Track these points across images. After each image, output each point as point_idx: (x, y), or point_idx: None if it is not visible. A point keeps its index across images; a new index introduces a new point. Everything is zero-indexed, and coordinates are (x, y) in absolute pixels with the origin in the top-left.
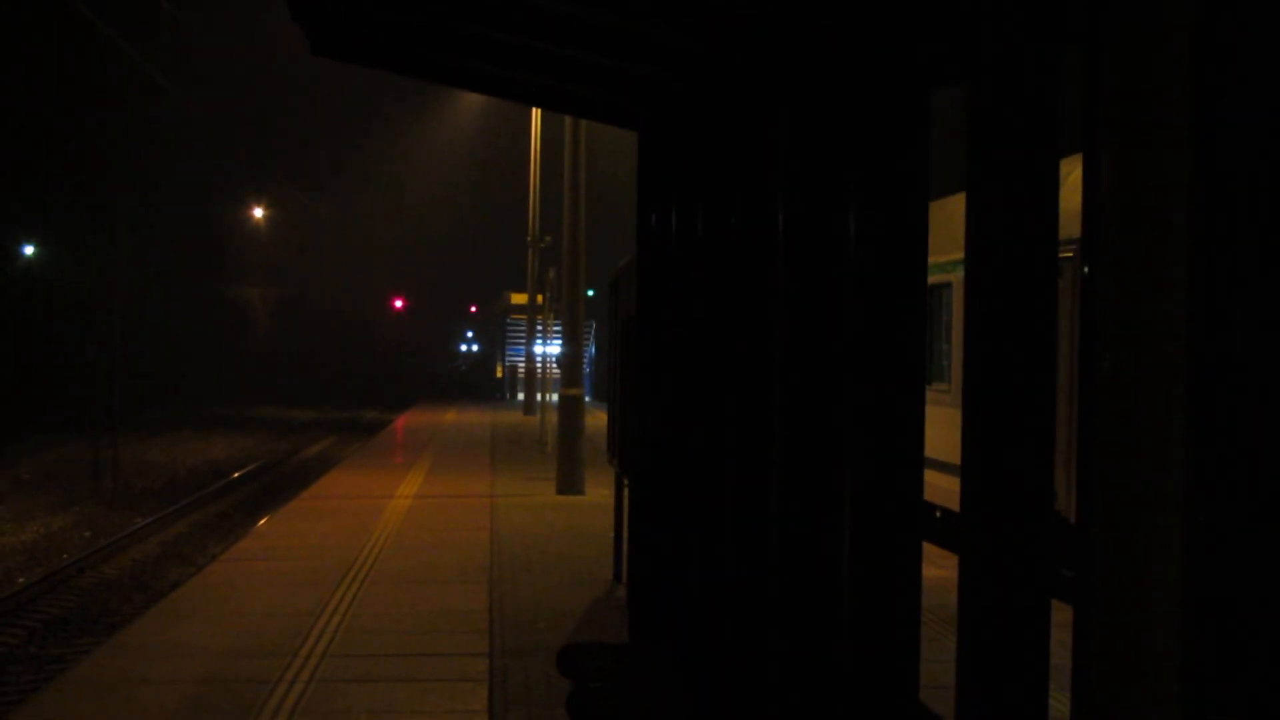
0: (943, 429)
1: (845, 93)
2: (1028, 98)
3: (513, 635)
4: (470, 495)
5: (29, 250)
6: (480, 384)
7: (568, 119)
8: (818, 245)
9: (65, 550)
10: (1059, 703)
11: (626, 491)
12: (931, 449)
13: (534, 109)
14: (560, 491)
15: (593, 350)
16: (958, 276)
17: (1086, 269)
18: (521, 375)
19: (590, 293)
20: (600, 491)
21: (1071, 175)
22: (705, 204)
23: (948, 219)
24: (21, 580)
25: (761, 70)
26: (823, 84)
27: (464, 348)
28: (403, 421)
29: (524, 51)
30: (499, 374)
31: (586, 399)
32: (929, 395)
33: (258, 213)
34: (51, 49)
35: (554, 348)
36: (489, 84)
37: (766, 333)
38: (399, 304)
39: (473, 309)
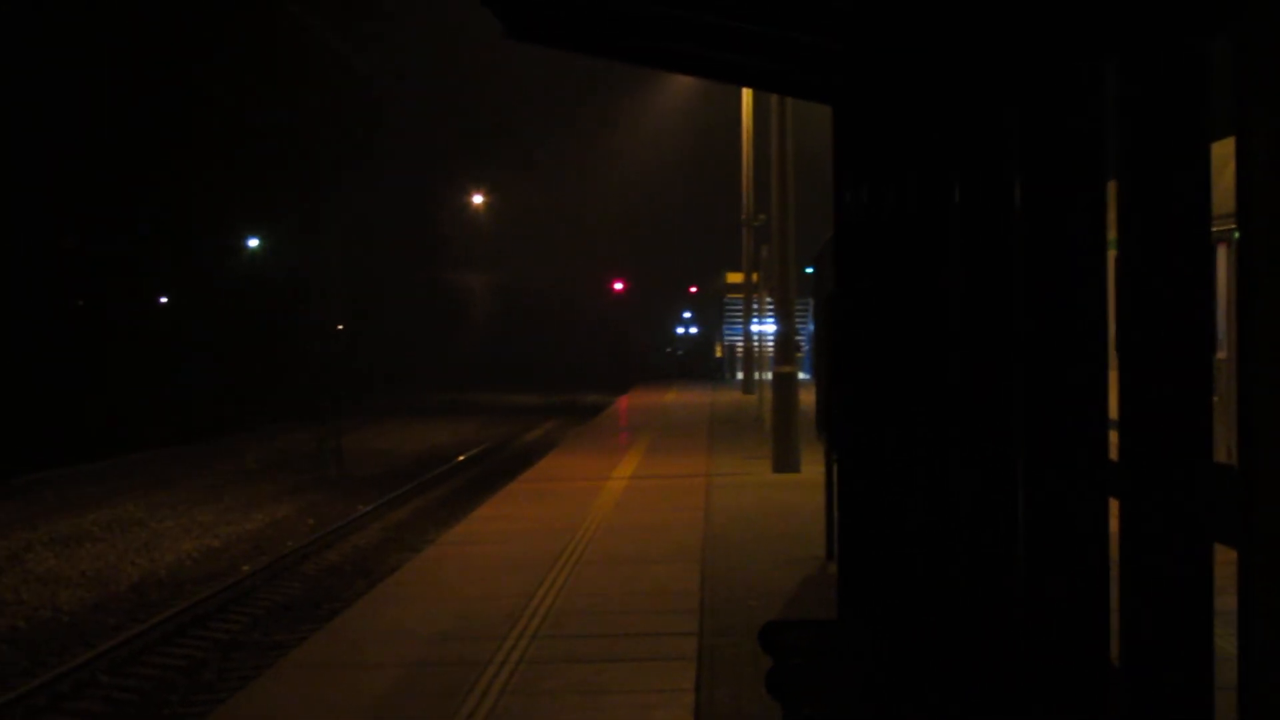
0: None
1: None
2: None
3: (723, 614)
4: (686, 475)
5: (253, 243)
6: (699, 366)
7: (773, 97)
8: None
9: (289, 538)
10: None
11: (836, 467)
12: None
13: (744, 89)
14: (776, 470)
15: (811, 327)
16: None
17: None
18: (740, 354)
19: (809, 269)
20: (816, 469)
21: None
22: (910, 179)
23: None
24: (246, 568)
25: (978, 47)
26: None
27: (680, 330)
28: (622, 404)
29: (717, 30)
30: (718, 354)
31: (803, 376)
32: None
33: (476, 199)
34: (268, 47)
35: (770, 326)
36: (683, 63)
37: (991, 307)
38: (618, 286)
39: (692, 290)
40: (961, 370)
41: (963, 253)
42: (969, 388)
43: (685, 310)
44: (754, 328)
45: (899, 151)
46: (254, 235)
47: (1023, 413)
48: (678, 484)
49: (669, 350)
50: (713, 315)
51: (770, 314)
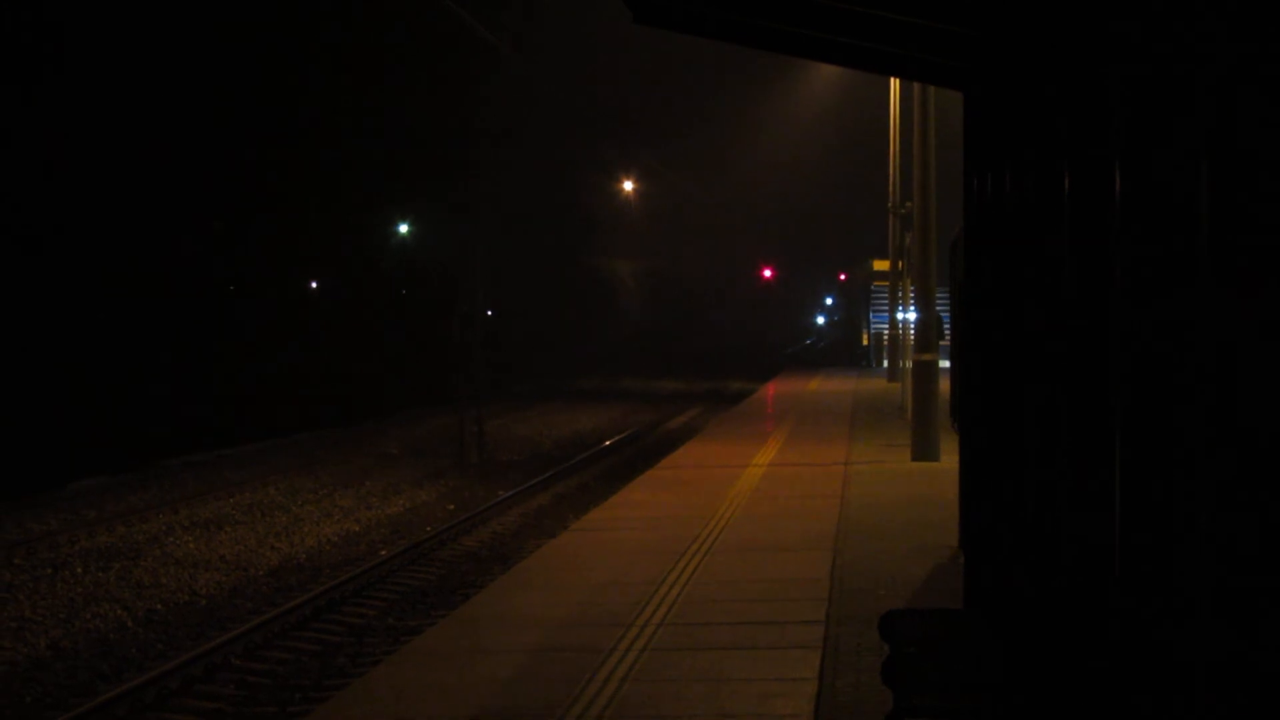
0: None
1: None
2: None
3: (851, 603)
4: (824, 463)
5: (404, 229)
6: (845, 354)
7: (915, 85)
8: (1162, 207)
9: (429, 523)
10: None
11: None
12: None
13: (891, 78)
14: (915, 458)
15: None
16: None
17: None
18: (886, 342)
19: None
20: (955, 458)
21: None
22: (1030, 167)
23: None
24: (384, 553)
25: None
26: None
27: (821, 319)
28: (766, 391)
29: (848, 15)
30: (864, 341)
31: (944, 364)
32: None
33: (627, 186)
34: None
35: (913, 314)
36: (813, 48)
37: (1103, 298)
38: (768, 274)
39: (841, 277)
40: (1075, 363)
41: (1071, 242)
42: (1082, 381)
43: (826, 297)
44: (899, 315)
45: (1022, 139)
46: (404, 221)
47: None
48: (816, 471)
49: (809, 342)
50: (860, 302)
51: (915, 301)
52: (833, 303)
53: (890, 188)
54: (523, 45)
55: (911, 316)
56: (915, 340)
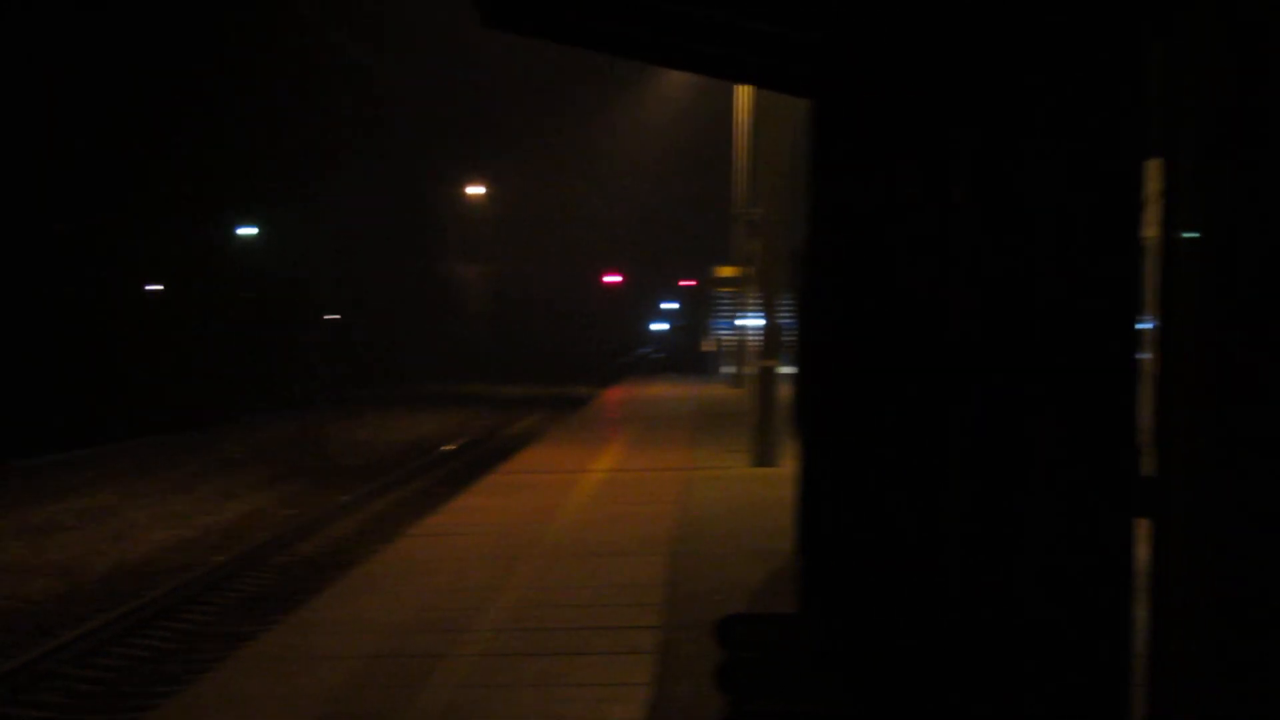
0: None
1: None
2: None
3: (689, 608)
4: (665, 469)
5: (251, 232)
6: (688, 360)
7: (740, 88)
8: (1004, 213)
9: (266, 528)
10: None
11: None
12: None
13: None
14: (755, 464)
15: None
16: None
17: None
18: (729, 349)
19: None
20: (795, 463)
21: None
22: (876, 173)
23: None
24: (220, 558)
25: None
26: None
27: (658, 325)
28: (609, 396)
29: (697, 21)
30: (708, 348)
31: (788, 370)
32: None
33: (469, 191)
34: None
35: (757, 320)
36: (662, 55)
37: (942, 303)
38: (610, 280)
39: (687, 283)
40: (908, 368)
41: (908, 249)
42: (914, 386)
43: (664, 302)
44: (743, 322)
45: (863, 147)
46: (249, 224)
47: (959, 404)
48: (656, 477)
49: (647, 351)
50: (704, 308)
51: (759, 307)
52: (677, 308)
53: (736, 193)
54: (375, 48)
55: (755, 323)
56: (760, 346)
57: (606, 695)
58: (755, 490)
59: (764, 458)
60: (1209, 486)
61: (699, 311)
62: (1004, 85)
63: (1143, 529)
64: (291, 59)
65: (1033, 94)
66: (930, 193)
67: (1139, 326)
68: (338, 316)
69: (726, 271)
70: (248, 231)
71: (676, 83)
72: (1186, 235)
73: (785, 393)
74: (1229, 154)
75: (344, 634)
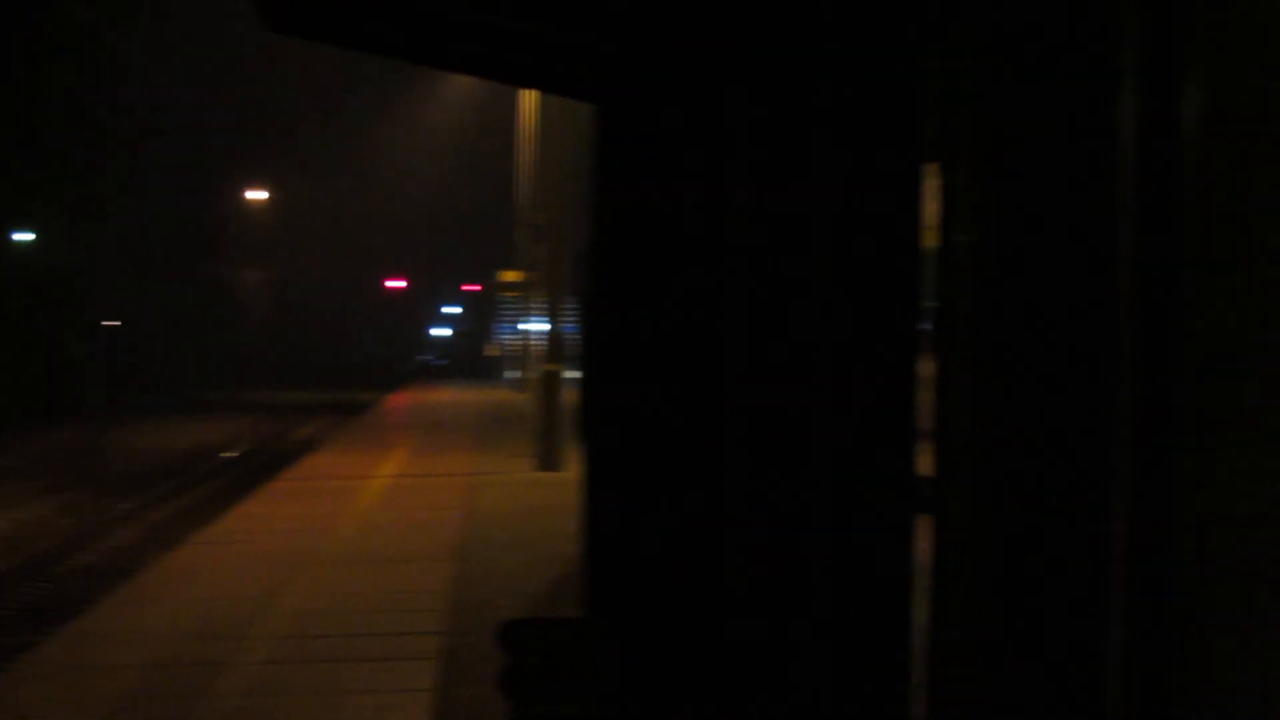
0: None
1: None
2: None
3: (471, 613)
4: (449, 474)
5: (22, 237)
6: (472, 366)
7: (525, 92)
8: (787, 219)
9: (45, 537)
10: None
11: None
12: None
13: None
14: (541, 469)
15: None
16: None
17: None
18: (514, 353)
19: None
20: (579, 468)
21: None
22: (660, 179)
23: None
24: None
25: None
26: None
27: (439, 331)
28: (394, 402)
29: (483, 27)
30: (492, 352)
31: (573, 375)
32: None
33: (250, 195)
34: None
35: (543, 325)
36: (450, 60)
37: (723, 306)
38: (395, 284)
39: (470, 288)
40: (696, 372)
41: (689, 253)
42: (699, 390)
43: (446, 306)
44: (527, 327)
45: (647, 154)
46: (22, 229)
47: (740, 409)
48: (440, 482)
49: (429, 358)
50: (488, 313)
51: (543, 312)
52: (460, 312)
53: (521, 198)
54: (152, 47)
55: (539, 328)
56: (545, 351)
57: (390, 701)
58: (540, 495)
59: (549, 463)
60: (983, 482)
61: (484, 316)
62: (782, 90)
63: (924, 525)
64: (62, 66)
65: (811, 98)
66: (710, 197)
67: (919, 328)
68: (118, 323)
69: (510, 276)
70: (24, 237)
71: (464, 86)
72: (960, 238)
73: (570, 398)
74: (996, 160)
75: (125, 643)
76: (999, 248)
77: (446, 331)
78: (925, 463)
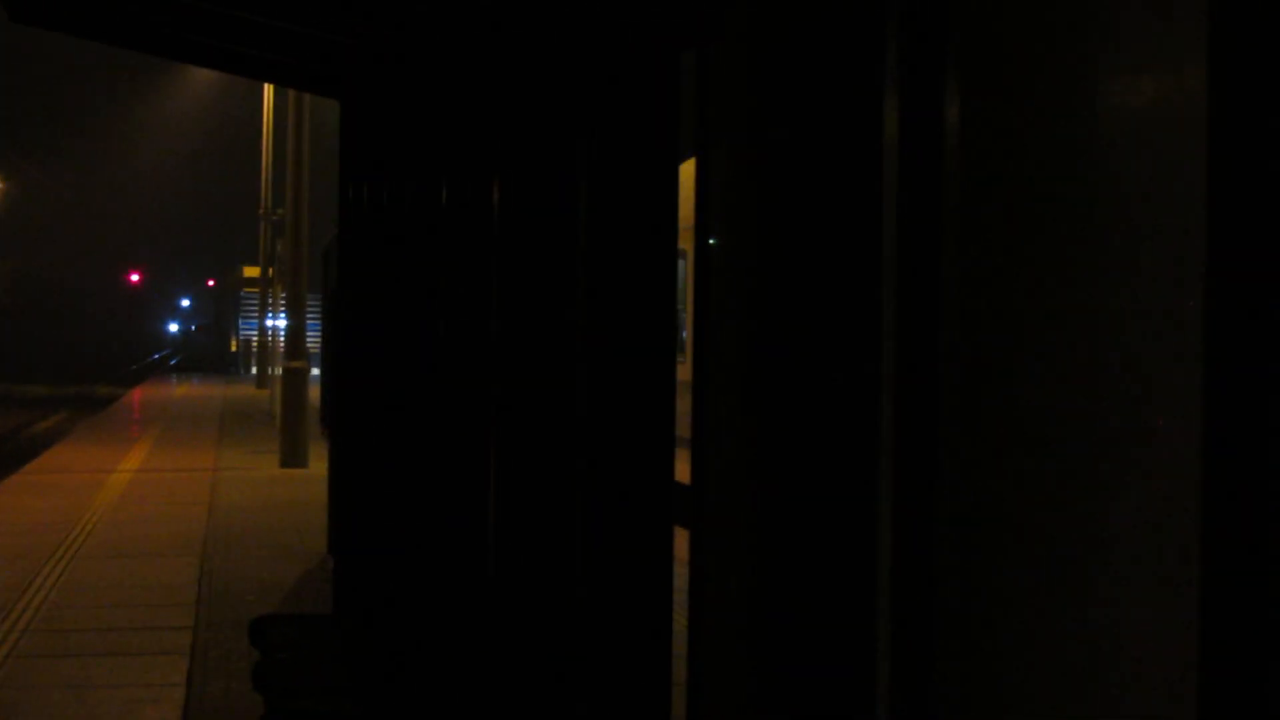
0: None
1: (576, 58)
2: None
3: (220, 608)
4: (193, 469)
5: None
6: (213, 361)
7: (291, 91)
8: (543, 217)
9: None
10: None
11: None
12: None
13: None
14: (284, 465)
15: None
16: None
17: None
18: (255, 349)
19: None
20: (324, 464)
21: None
22: (411, 176)
23: None
24: None
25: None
26: (546, 48)
27: (175, 326)
28: (135, 396)
29: (230, 20)
30: (233, 348)
31: (315, 372)
32: None
33: None
34: None
35: (284, 321)
36: (196, 54)
37: (481, 307)
38: (135, 278)
39: (210, 283)
40: (443, 374)
41: (447, 258)
42: (453, 388)
43: (188, 300)
44: (269, 322)
45: (398, 150)
46: None
47: (497, 409)
48: (184, 477)
49: (166, 353)
50: (230, 309)
51: (285, 308)
52: (192, 306)
53: (262, 193)
54: None
55: (282, 324)
56: (285, 348)
57: (141, 695)
58: (285, 491)
59: (293, 459)
60: (737, 492)
61: (224, 311)
62: (533, 84)
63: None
64: None
65: (564, 90)
66: (459, 196)
67: (676, 334)
68: None
69: (252, 272)
70: None
71: (213, 80)
72: (717, 241)
73: (315, 394)
74: (749, 162)
75: None
76: (755, 249)
77: (188, 326)
78: (683, 470)
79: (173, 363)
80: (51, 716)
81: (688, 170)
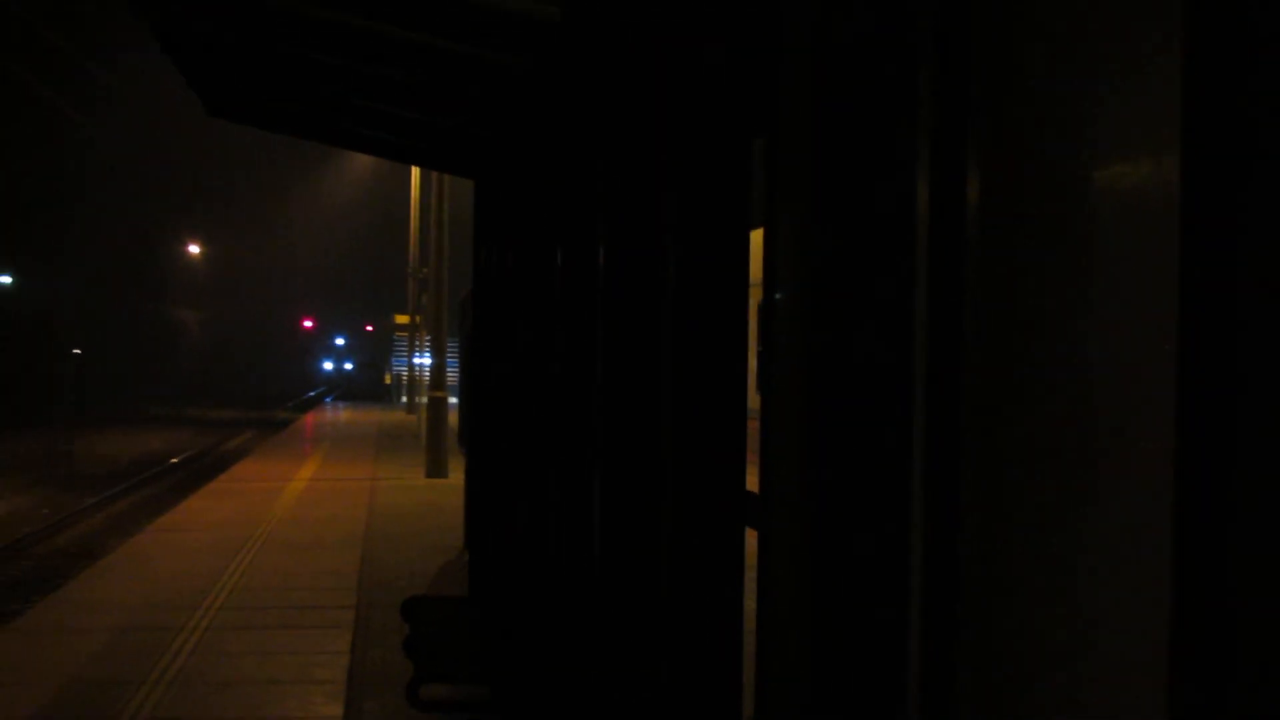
0: None
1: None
2: None
3: (377, 591)
4: (355, 479)
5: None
6: (370, 393)
7: (433, 173)
8: (638, 276)
9: (25, 524)
10: None
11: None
12: None
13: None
14: (429, 475)
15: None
16: None
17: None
18: (405, 382)
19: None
20: (462, 476)
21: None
22: (533, 242)
23: None
24: None
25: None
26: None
27: (331, 364)
28: (307, 420)
29: (386, 117)
30: (388, 380)
31: (453, 400)
32: None
33: (193, 249)
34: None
35: (428, 359)
36: (360, 143)
37: (588, 350)
38: (308, 324)
39: (369, 328)
40: (557, 404)
41: (561, 308)
42: (558, 421)
43: (350, 341)
44: (416, 360)
45: (522, 221)
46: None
47: (600, 433)
48: (348, 486)
49: (331, 377)
50: (384, 348)
51: (429, 349)
52: (345, 345)
53: (410, 255)
54: (94, 110)
55: (427, 361)
56: (429, 380)
57: (314, 660)
58: (430, 497)
59: (436, 471)
60: (798, 502)
61: (380, 351)
62: (635, 169)
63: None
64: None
65: (659, 174)
66: (571, 259)
67: (746, 370)
68: (78, 351)
69: (402, 319)
70: (3, 280)
71: (367, 162)
72: (780, 295)
73: (454, 418)
74: (805, 230)
75: (94, 612)
76: (810, 303)
77: (323, 366)
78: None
79: (328, 399)
80: (241, 676)
81: (757, 236)
